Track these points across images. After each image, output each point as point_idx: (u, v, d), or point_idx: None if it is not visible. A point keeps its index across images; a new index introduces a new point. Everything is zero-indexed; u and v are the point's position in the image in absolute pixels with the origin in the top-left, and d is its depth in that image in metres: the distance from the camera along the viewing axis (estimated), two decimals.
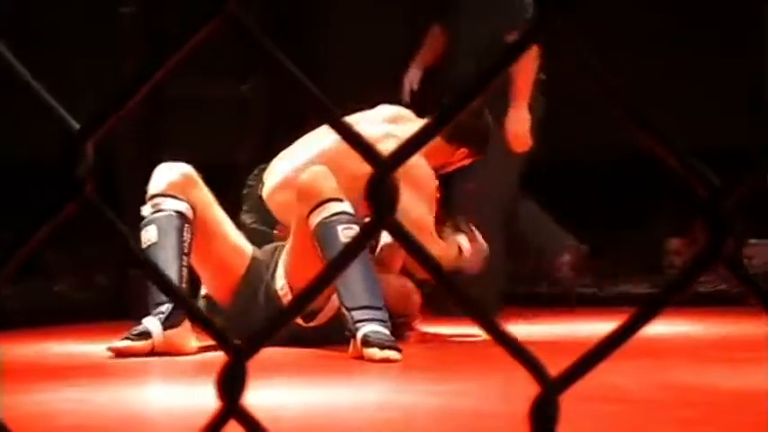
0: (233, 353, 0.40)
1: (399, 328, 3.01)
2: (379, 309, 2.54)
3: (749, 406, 1.81)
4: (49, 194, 0.38)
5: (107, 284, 3.68)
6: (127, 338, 2.63)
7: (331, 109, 0.38)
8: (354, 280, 2.54)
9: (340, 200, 2.65)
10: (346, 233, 2.62)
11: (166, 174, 2.82)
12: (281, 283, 2.80)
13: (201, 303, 2.87)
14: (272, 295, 2.80)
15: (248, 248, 2.88)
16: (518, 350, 0.40)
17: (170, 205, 2.73)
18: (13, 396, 1.87)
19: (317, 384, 2.14)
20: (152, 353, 2.61)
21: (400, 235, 0.38)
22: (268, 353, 2.71)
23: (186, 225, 2.72)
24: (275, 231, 2.97)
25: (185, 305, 0.42)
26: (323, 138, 2.96)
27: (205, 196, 2.82)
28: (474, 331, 3.15)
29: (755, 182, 0.38)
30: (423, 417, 1.78)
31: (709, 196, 0.36)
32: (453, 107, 0.41)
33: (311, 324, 2.79)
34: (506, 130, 3.67)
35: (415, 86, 3.79)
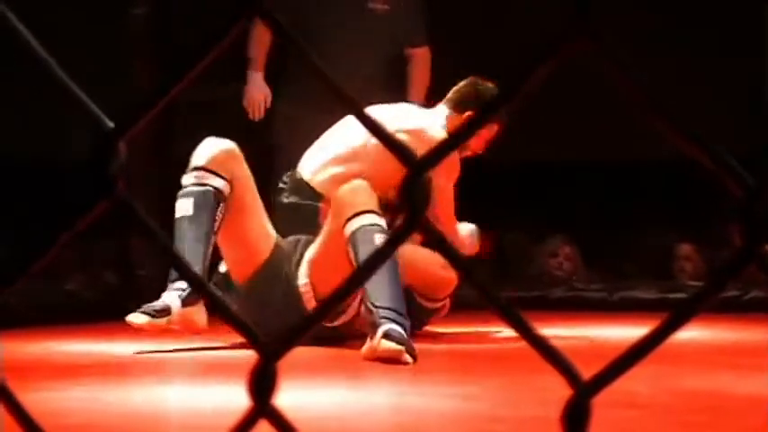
0: (263, 353, 0.40)
1: (431, 313, 3.04)
2: (403, 315, 2.58)
3: (757, 412, 1.81)
4: (80, 192, 0.38)
5: (116, 283, 3.69)
6: (147, 314, 2.65)
7: (364, 111, 0.38)
8: (385, 283, 2.58)
9: (378, 214, 2.72)
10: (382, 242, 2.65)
11: (211, 148, 2.85)
12: (304, 280, 2.84)
13: (219, 279, 2.91)
14: (292, 290, 2.84)
15: (273, 234, 2.92)
16: (551, 353, 0.40)
17: (210, 181, 2.76)
18: (21, 394, 1.85)
19: (329, 386, 2.14)
20: (167, 329, 2.65)
21: (432, 236, 0.38)
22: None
23: (221, 204, 2.76)
24: (320, 205, 3.01)
25: (218, 303, 0.42)
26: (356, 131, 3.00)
27: (244, 175, 2.86)
28: (485, 331, 3.15)
29: None
30: (433, 420, 1.77)
31: (746, 197, 0.36)
32: (487, 110, 0.41)
33: (332, 324, 2.83)
34: None
35: (267, 103, 3.62)
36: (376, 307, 2.58)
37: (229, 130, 3.73)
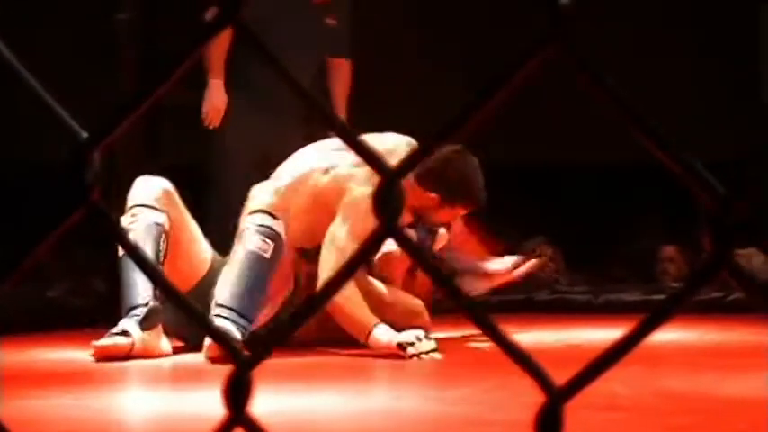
0: (239, 362, 0.40)
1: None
2: (241, 315, 2.62)
3: (743, 413, 1.82)
4: (54, 200, 0.39)
5: (102, 290, 3.67)
6: (109, 336, 2.70)
7: (336, 119, 0.38)
8: (229, 282, 2.69)
9: (269, 213, 2.78)
10: (252, 239, 2.71)
11: (147, 186, 2.95)
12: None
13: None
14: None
15: (208, 258, 2.98)
16: (523, 359, 0.40)
17: (149, 215, 2.87)
18: (7, 402, 1.85)
19: (315, 391, 2.14)
20: (130, 355, 2.66)
21: (406, 243, 0.38)
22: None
23: (163, 235, 2.86)
24: None
25: (195, 313, 0.42)
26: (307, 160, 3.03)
27: (180, 213, 2.95)
28: (470, 335, 3.15)
29: (755, 192, 0.38)
30: (420, 424, 1.78)
31: (716, 205, 0.36)
32: (455, 120, 0.41)
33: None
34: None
35: (222, 105, 3.63)
36: (217, 305, 2.65)
37: (211, 131, 3.74)
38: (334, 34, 3.74)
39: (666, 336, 3.10)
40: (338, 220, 2.83)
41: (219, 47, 3.59)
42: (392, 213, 0.38)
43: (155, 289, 2.73)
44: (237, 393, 0.39)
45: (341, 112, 3.76)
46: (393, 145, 2.90)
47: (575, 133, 4.66)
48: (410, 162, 0.39)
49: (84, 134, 0.40)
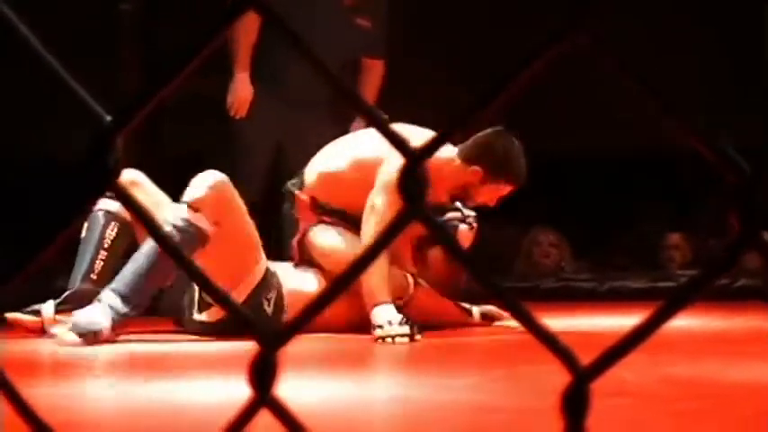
0: (264, 343, 0.40)
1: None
2: (121, 297, 2.73)
3: (749, 399, 1.82)
4: (77, 186, 0.39)
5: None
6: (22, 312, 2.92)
7: (365, 102, 0.38)
8: (129, 269, 2.76)
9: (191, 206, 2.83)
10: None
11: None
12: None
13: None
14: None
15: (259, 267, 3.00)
16: (550, 339, 0.40)
17: (102, 204, 2.97)
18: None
19: (324, 379, 2.14)
20: (38, 333, 2.86)
21: (432, 225, 0.39)
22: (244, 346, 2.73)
23: (112, 222, 2.96)
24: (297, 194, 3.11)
25: (219, 294, 0.42)
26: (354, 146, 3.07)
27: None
28: (482, 322, 3.15)
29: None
30: (431, 412, 1.78)
31: (743, 185, 0.36)
32: (474, 105, 0.41)
33: (209, 320, 2.93)
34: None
35: (247, 97, 3.65)
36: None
37: (212, 122, 3.75)
38: (366, 35, 3.74)
39: (673, 323, 3.09)
40: (377, 188, 2.85)
41: (246, 39, 3.60)
42: (416, 195, 0.38)
43: (88, 273, 2.90)
44: (263, 375, 0.39)
45: (370, 99, 3.78)
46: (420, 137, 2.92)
47: (579, 122, 4.65)
48: (433, 145, 0.39)
49: (108, 118, 0.40)
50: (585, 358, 0.44)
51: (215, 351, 2.68)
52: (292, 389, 1.87)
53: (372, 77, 3.85)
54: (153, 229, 0.42)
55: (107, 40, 4.07)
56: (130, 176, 2.98)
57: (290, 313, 2.93)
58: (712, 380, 2.08)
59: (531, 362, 2.38)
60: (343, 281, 0.40)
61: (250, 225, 2.90)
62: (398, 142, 0.39)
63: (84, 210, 0.40)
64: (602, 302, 3.82)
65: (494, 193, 3.05)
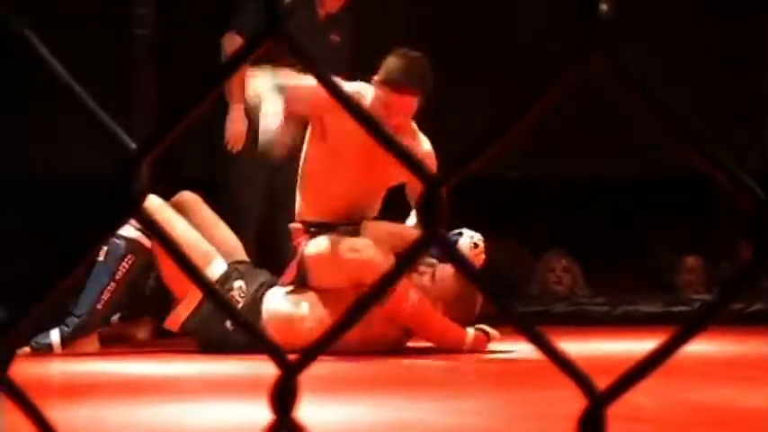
0: (285, 367, 0.40)
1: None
2: (73, 315, 3.07)
3: (763, 425, 1.81)
4: (103, 212, 0.39)
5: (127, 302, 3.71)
6: (31, 346, 3.08)
7: (379, 124, 0.39)
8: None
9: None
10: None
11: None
12: None
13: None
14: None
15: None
16: (565, 363, 0.41)
17: (123, 231, 3.10)
18: (22, 414, 1.85)
19: (326, 402, 2.14)
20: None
21: (450, 250, 0.39)
22: (264, 369, 2.75)
23: (130, 254, 3.10)
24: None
25: (240, 319, 0.42)
26: None
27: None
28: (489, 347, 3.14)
29: None
30: None
31: (757, 210, 0.37)
32: (496, 130, 0.42)
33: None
34: None
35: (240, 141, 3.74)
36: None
37: (223, 133, 3.78)
38: (336, 51, 3.78)
39: (688, 347, 3.08)
40: None
41: (239, 72, 3.63)
42: (435, 220, 0.38)
43: (95, 304, 3.08)
44: (284, 398, 0.40)
45: None
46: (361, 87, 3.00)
47: (592, 144, 4.65)
48: (451, 171, 0.39)
49: (134, 146, 0.41)
50: (600, 383, 0.44)
51: (228, 374, 2.68)
52: (300, 413, 1.86)
53: None
54: (177, 256, 0.43)
55: (123, 66, 4.10)
56: (186, 197, 3.17)
57: (269, 331, 2.99)
58: (727, 405, 2.07)
59: (531, 387, 2.37)
60: (365, 304, 0.40)
61: (188, 237, 3.08)
62: (416, 167, 0.39)
63: (107, 237, 0.41)
64: (616, 327, 3.80)
65: (399, 104, 2.96)
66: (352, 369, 2.70)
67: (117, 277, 3.07)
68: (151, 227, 0.40)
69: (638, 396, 2.04)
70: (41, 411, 0.44)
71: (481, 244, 3.08)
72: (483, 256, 3.06)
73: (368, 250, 2.90)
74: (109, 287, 3.06)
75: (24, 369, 2.77)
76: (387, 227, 3.07)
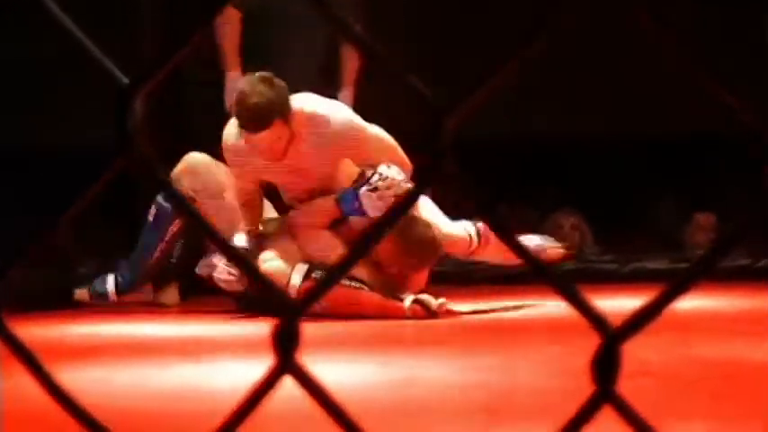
0: (287, 308, 0.39)
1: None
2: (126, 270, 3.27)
3: None
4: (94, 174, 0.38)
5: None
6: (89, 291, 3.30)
7: (379, 51, 0.37)
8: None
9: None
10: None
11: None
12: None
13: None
14: None
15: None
16: (577, 300, 0.39)
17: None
18: (28, 374, 1.85)
19: (344, 360, 2.14)
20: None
21: (456, 183, 0.38)
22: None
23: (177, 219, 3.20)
24: None
25: (243, 262, 0.41)
26: None
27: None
28: (495, 306, 3.15)
29: None
30: (452, 392, 1.78)
31: None
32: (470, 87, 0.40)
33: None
34: None
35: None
36: None
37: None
38: (344, 6, 3.68)
39: (696, 303, 3.08)
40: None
41: (232, 39, 3.60)
42: (442, 151, 0.37)
43: (146, 261, 3.25)
44: (286, 340, 0.39)
45: (350, 84, 3.70)
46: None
47: (601, 102, 4.62)
48: (463, 106, 0.38)
49: (125, 80, 0.39)
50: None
51: (245, 335, 2.69)
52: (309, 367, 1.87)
53: (351, 52, 3.79)
54: (183, 206, 0.41)
55: (128, 12, 4.06)
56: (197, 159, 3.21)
57: None
58: (738, 360, 2.07)
59: (544, 342, 2.37)
60: (362, 247, 0.39)
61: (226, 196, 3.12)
62: (422, 98, 0.38)
63: (107, 178, 0.39)
64: (625, 284, 3.79)
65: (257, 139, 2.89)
66: (361, 328, 2.70)
67: (166, 238, 3.22)
68: (153, 169, 0.39)
69: (646, 352, 2.05)
70: (44, 368, 0.43)
71: (382, 183, 2.89)
72: (380, 203, 2.86)
73: (271, 262, 2.88)
74: (159, 247, 3.23)
75: (34, 332, 2.78)
76: (318, 208, 2.95)
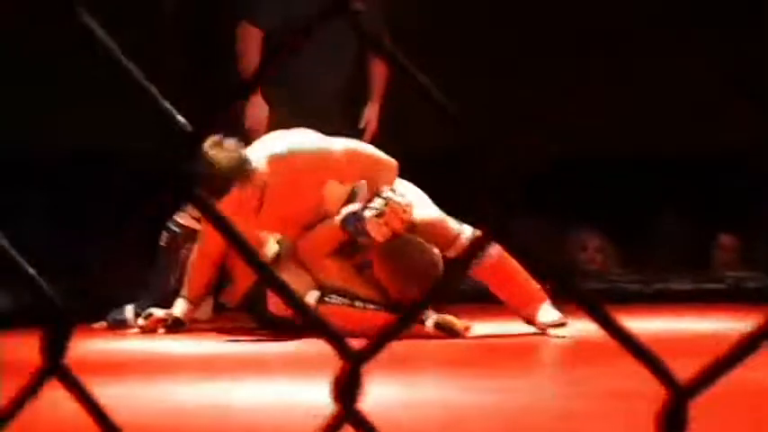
0: (351, 357, 0.39)
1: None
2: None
3: None
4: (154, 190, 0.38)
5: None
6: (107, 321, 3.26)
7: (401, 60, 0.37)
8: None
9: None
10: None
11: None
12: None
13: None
14: None
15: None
16: (644, 354, 0.39)
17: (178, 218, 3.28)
18: (54, 392, 1.85)
19: (367, 381, 2.13)
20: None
21: (508, 241, 0.37)
22: (302, 348, 2.77)
23: (188, 242, 3.17)
24: None
25: (309, 314, 0.41)
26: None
27: None
28: (517, 328, 3.13)
29: None
30: (474, 414, 1.76)
31: None
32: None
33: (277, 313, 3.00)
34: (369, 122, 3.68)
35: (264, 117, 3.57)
36: None
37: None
38: (365, 16, 3.64)
39: (719, 326, 3.05)
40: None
41: (252, 59, 3.58)
42: (507, 206, 0.36)
43: (165, 287, 3.23)
44: (348, 390, 0.38)
45: (378, 97, 3.70)
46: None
47: (627, 124, 4.61)
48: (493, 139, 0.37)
49: (190, 127, 0.39)
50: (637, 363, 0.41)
51: (271, 352, 2.69)
52: (316, 394, 1.85)
53: (379, 66, 3.77)
54: (230, 236, 0.41)
55: (148, 43, 4.09)
56: None
57: None
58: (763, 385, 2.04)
59: (566, 363, 2.35)
60: (436, 291, 0.38)
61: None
62: (447, 113, 0.37)
63: (170, 216, 0.39)
64: (649, 304, 3.77)
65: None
66: (389, 348, 2.68)
67: (182, 261, 3.21)
68: (211, 212, 0.39)
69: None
70: (91, 394, 0.43)
71: (385, 209, 2.79)
72: (386, 228, 2.78)
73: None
74: (174, 271, 3.23)
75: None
76: (319, 236, 2.89)
